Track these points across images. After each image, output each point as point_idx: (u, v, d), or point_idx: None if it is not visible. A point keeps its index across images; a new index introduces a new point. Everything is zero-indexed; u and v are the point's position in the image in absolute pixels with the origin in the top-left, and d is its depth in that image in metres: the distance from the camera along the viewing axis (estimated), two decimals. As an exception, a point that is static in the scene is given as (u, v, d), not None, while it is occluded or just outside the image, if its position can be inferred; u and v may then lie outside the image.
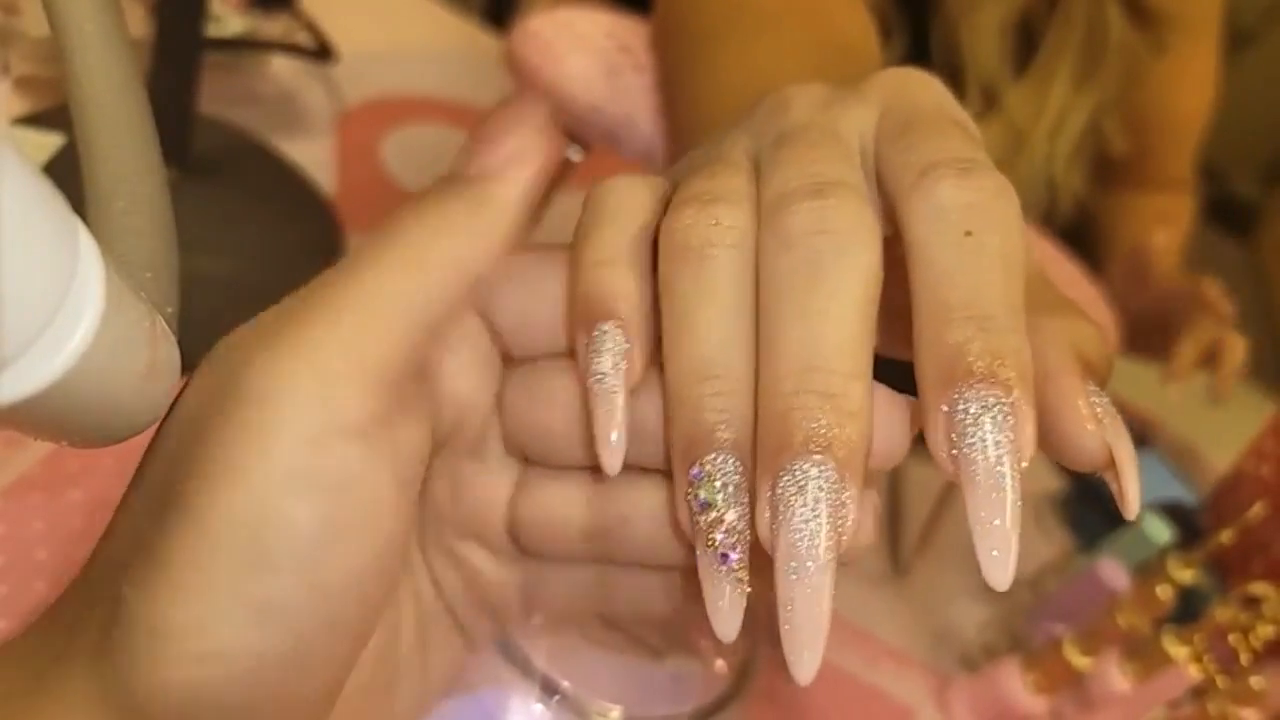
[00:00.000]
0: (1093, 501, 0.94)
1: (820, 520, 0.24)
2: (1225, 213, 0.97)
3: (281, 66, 0.94)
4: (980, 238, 0.24)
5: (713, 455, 0.25)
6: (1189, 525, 0.88)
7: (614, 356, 0.27)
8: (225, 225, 0.72)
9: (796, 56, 0.48)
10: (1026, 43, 0.99)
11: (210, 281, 0.68)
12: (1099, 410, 0.26)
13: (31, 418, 0.22)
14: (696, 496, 0.25)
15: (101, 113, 0.28)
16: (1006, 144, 0.98)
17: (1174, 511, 0.84)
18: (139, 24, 0.76)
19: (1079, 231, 1.09)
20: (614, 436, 0.27)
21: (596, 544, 0.30)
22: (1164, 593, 0.63)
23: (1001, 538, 0.23)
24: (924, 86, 0.29)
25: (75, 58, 0.27)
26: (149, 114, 0.29)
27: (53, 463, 0.57)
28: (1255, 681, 0.62)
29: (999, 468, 0.23)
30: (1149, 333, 1.01)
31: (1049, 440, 0.26)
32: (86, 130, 0.28)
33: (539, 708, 0.42)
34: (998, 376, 0.23)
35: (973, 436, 0.24)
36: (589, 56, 0.61)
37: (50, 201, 0.21)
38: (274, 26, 0.90)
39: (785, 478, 0.24)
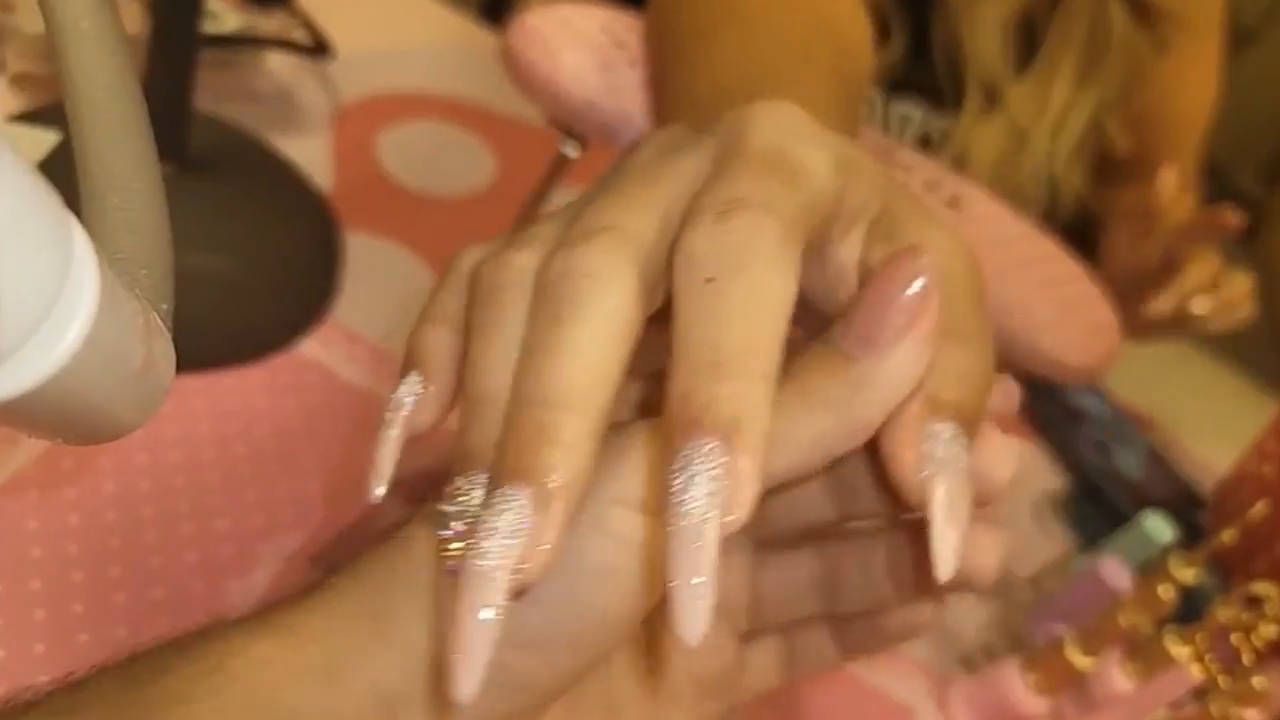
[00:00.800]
0: (1094, 500, 0.94)
1: (513, 547, 0.25)
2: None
3: (278, 63, 0.94)
4: (720, 284, 0.25)
5: (467, 475, 0.27)
6: (1191, 524, 0.88)
7: (409, 398, 0.30)
8: (221, 222, 0.72)
9: (790, 53, 0.48)
10: (1028, 40, 0.99)
11: (205, 278, 0.68)
12: (934, 457, 0.26)
13: (26, 414, 0.22)
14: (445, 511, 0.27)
15: (95, 110, 0.28)
16: (1008, 142, 0.98)
17: (1176, 510, 0.84)
18: (135, 21, 0.76)
19: (1081, 229, 1.09)
20: (377, 475, 0.30)
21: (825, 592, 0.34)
22: (1166, 592, 0.63)
23: (699, 592, 0.24)
24: (765, 122, 0.29)
25: (69, 55, 0.27)
26: (144, 111, 0.29)
27: (47, 461, 0.57)
28: (1257, 681, 0.62)
29: (702, 524, 0.24)
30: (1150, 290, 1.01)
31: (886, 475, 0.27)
32: (81, 127, 0.28)
33: None
34: (710, 427, 0.24)
35: (684, 490, 0.24)
36: (585, 52, 0.61)
37: (45, 199, 0.21)
38: (270, 23, 0.90)
39: (494, 501, 0.25)
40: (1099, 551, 0.74)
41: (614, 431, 0.28)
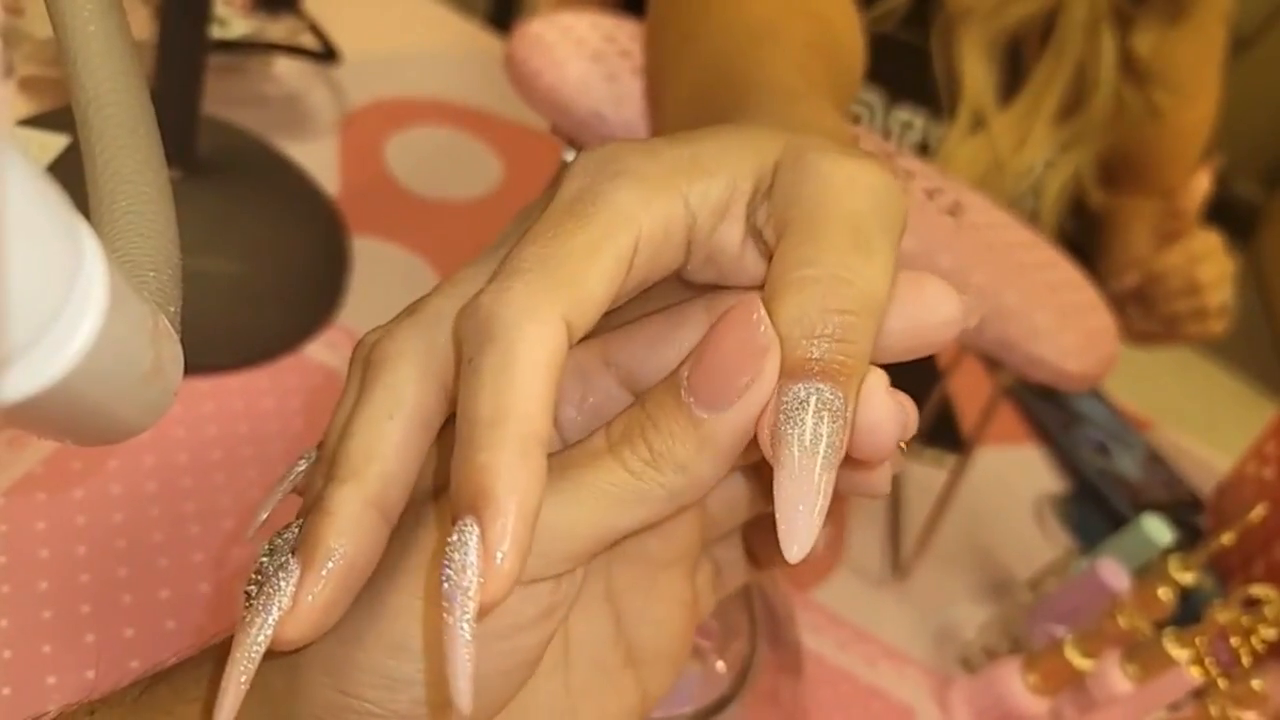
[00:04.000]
0: (1094, 502, 0.94)
1: (276, 605, 0.26)
2: (1226, 215, 0.97)
3: (286, 68, 0.94)
4: (475, 361, 0.25)
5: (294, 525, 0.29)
6: (1190, 526, 0.89)
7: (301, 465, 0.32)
8: (229, 226, 0.73)
9: (759, 36, 0.48)
10: (1019, 69, 0.99)
11: (213, 282, 0.68)
12: (787, 411, 0.26)
13: (35, 416, 0.22)
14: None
15: (104, 114, 0.28)
16: (987, 169, 0.98)
17: (1176, 512, 0.85)
18: (143, 26, 0.76)
19: (1077, 236, 1.09)
20: (256, 517, 0.33)
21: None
22: (1165, 594, 0.64)
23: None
24: (577, 168, 0.29)
25: (78, 60, 0.27)
26: (152, 115, 0.29)
27: (55, 462, 0.58)
28: (1256, 683, 0.62)
29: (461, 613, 0.24)
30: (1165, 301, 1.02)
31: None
32: (89, 132, 0.28)
33: None
34: (465, 507, 0.24)
35: (452, 567, 0.24)
36: (589, 61, 0.61)
37: (54, 202, 0.21)
38: (278, 28, 0.90)
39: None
40: (1098, 553, 0.74)
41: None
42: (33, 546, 0.54)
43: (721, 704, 0.50)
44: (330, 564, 0.26)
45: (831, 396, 0.25)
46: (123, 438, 0.27)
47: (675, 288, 0.31)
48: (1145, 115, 1.00)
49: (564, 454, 0.27)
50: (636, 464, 0.27)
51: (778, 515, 0.25)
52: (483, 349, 0.25)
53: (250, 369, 0.67)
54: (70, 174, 0.25)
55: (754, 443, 0.27)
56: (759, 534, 0.36)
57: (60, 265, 0.21)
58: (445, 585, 0.24)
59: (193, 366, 0.29)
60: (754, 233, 0.28)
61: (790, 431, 0.25)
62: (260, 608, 0.26)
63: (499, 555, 0.23)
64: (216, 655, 0.32)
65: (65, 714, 0.31)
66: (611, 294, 0.26)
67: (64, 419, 0.24)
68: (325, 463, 0.29)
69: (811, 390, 0.25)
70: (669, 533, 0.33)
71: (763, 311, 0.26)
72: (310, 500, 0.29)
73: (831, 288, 0.26)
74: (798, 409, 0.25)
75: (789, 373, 0.26)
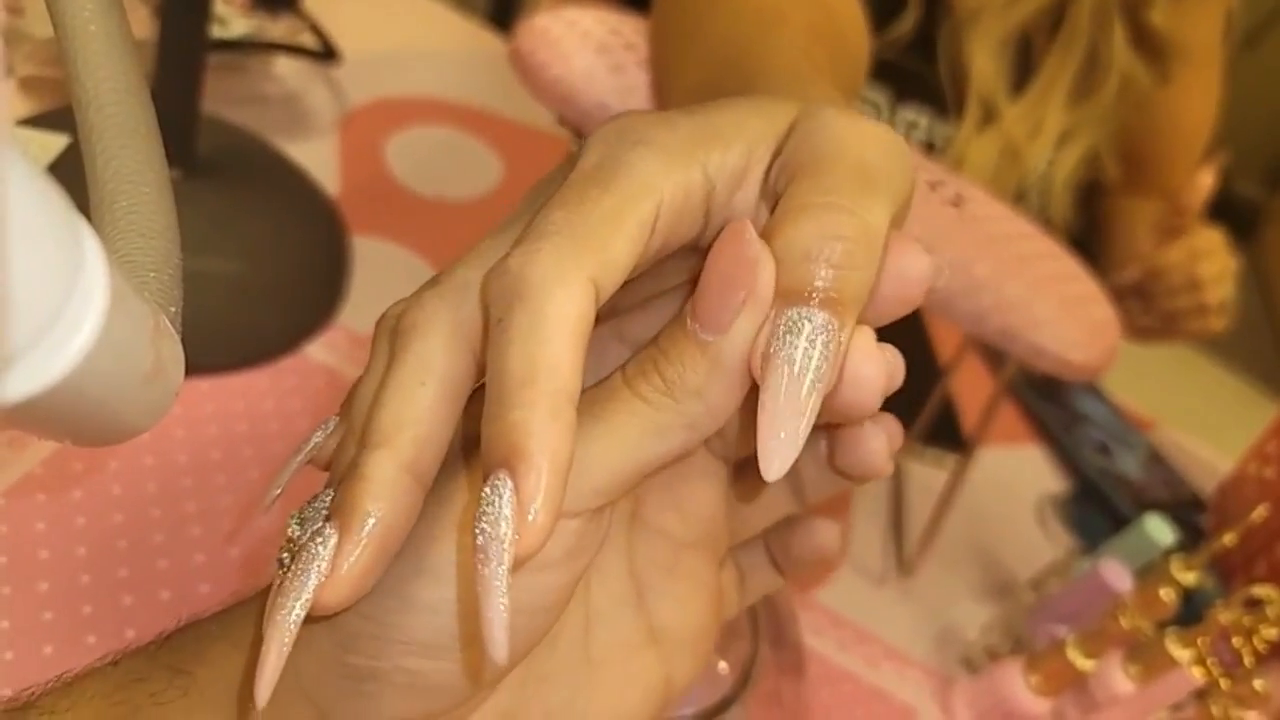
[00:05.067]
0: (1095, 503, 0.94)
1: (312, 575, 0.27)
2: (1228, 214, 0.97)
3: (286, 67, 0.94)
4: (504, 321, 0.26)
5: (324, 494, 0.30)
6: (1192, 526, 0.89)
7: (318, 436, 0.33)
8: (229, 225, 0.73)
9: (761, 23, 0.48)
10: (1027, 59, 0.99)
11: (213, 281, 0.68)
12: (778, 337, 0.26)
13: (36, 417, 0.22)
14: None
15: (104, 114, 0.28)
16: (1002, 158, 0.98)
17: (1177, 512, 0.85)
18: (143, 25, 0.76)
19: (1081, 231, 1.09)
20: (273, 488, 0.34)
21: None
22: (1167, 595, 0.63)
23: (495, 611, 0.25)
24: (597, 138, 0.29)
25: (78, 60, 0.27)
26: (152, 115, 0.29)
27: (56, 463, 0.58)
28: (1258, 684, 0.62)
29: (496, 565, 0.25)
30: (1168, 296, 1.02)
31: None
32: (90, 131, 0.28)
33: None
34: (498, 461, 0.25)
35: (485, 520, 0.25)
36: (595, 53, 0.61)
37: (54, 203, 0.21)
38: (278, 27, 0.90)
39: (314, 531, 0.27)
40: (1100, 554, 0.74)
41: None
42: (33, 547, 0.54)
43: (724, 705, 0.50)
44: (367, 528, 0.27)
45: (826, 323, 0.26)
46: (124, 438, 0.27)
47: (689, 264, 0.31)
48: (1155, 87, 1.00)
49: (583, 394, 0.27)
50: (652, 394, 0.28)
51: (759, 434, 0.26)
52: (512, 309, 0.25)
53: (250, 369, 0.67)
54: (70, 174, 0.25)
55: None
56: (780, 540, 0.37)
57: (61, 266, 0.21)
58: (480, 539, 0.24)
59: (193, 367, 0.29)
60: (769, 198, 0.29)
61: (781, 352, 0.26)
62: (298, 574, 0.27)
63: (532, 510, 0.24)
64: (234, 608, 0.33)
65: (96, 665, 0.33)
66: (635, 259, 0.27)
67: (65, 419, 0.24)
68: (355, 431, 0.29)
69: (806, 315, 0.26)
70: (689, 513, 0.34)
71: (752, 230, 0.26)
72: (342, 468, 0.29)
73: (832, 215, 0.26)
74: (791, 331, 0.26)
75: (786, 296, 0.26)
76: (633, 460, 0.28)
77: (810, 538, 0.36)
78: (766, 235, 0.26)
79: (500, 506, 0.24)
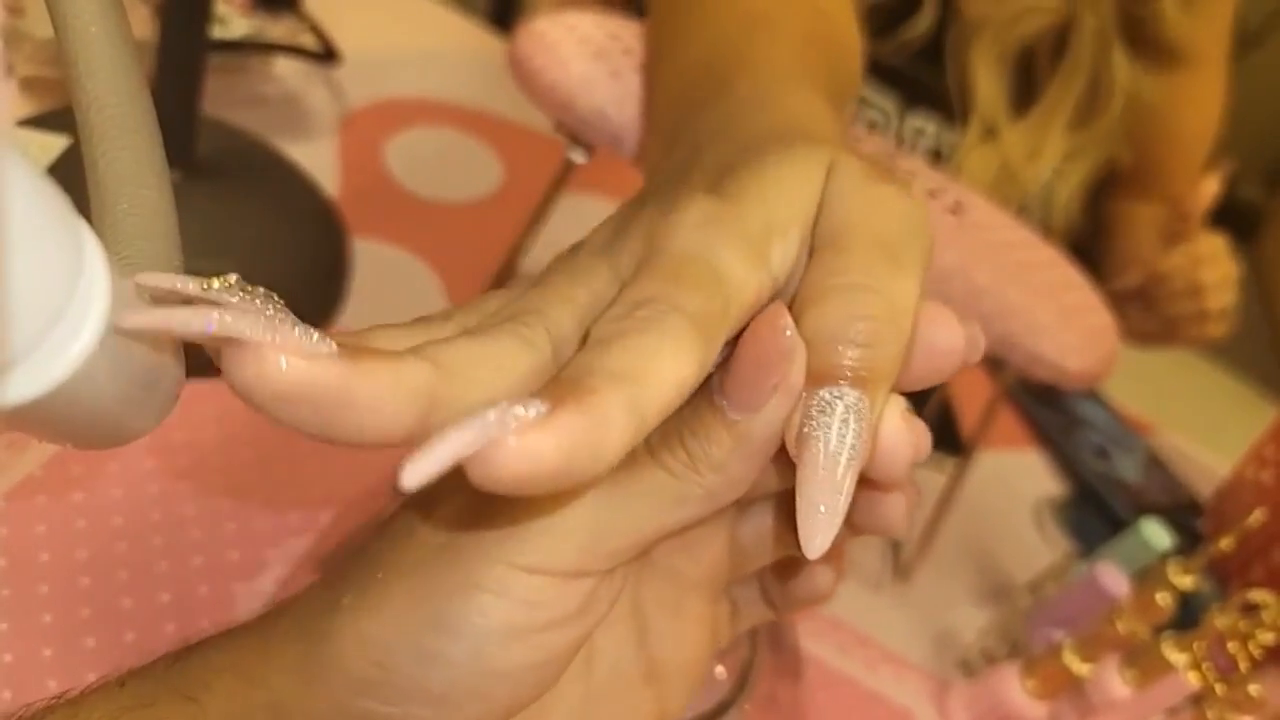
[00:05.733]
0: (1093, 506, 0.94)
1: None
2: (1229, 217, 0.97)
3: (285, 68, 0.94)
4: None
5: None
6: (1189, 530, 0.89)
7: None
8: (228, 227, 0.72)
9: (750, 23, 0.48)
10: (1031, 78, 0.99)
11: (213, 283, 0.68)
12: (813, 414, 0.27)
13: (37, 420, 0.22)
14: None
15: (105, 115, 0.28)
16: (999, 176, 0.98)
17: (1175, 516, 0.85)
18: (143, 26, 0.76)
19: (1083, 236, 1.09)
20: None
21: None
22: (1164, 599, 0.64)
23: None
24: (683, 225, 0.29)
25: (79, 61, 0.27)
26: (153, 117, 0.29)
27: (56, 466, 0.58)
28: (1254, 689, 0.62)
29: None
30: (1165, 302, 1.02)
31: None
32: (91, 132, 0.28)
33: None
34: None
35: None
36: (593, 59, 0.61)
37: (55, 205, 0.21)
38: (278, 28, 0.90)
39: None
40: (1097, 558, 0.74)
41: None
42: (33, 550, 0.54)
43: (721, 709, 0.50)
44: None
45: (857, 401, 0.26)
46: (124, 441, 0.27)
47: None
48: (1160, 98, 1.00)
49: None
50: (676, 466, 0.28)
51: (799, 514, 0.26)
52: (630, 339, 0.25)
53: (250, 370, 0.67)
54: (70, 175, 0.25)
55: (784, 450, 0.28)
56: (774, 576, 0.37)
57: (62, 268, 0.21)
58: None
59: (191, 369, 0.29)
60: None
61: (816, 433, 0.26)
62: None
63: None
64: (239, 633, 0.32)
65: (100, 684, 0.32)
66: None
67: (66, 423, 0.24)
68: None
69: (838, 395, 0.26)
70: (699, 554, 0.34)
71: (788, 318, 0.27)
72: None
73: (858, 295, 0.27)
74: (824, 411, 0.26)
75: (816, 377, 0.27)
76: (651, 527, 0.29)
77: (809, 580, 0.37)
78: (795, 314, 0.27)
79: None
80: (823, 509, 0.26)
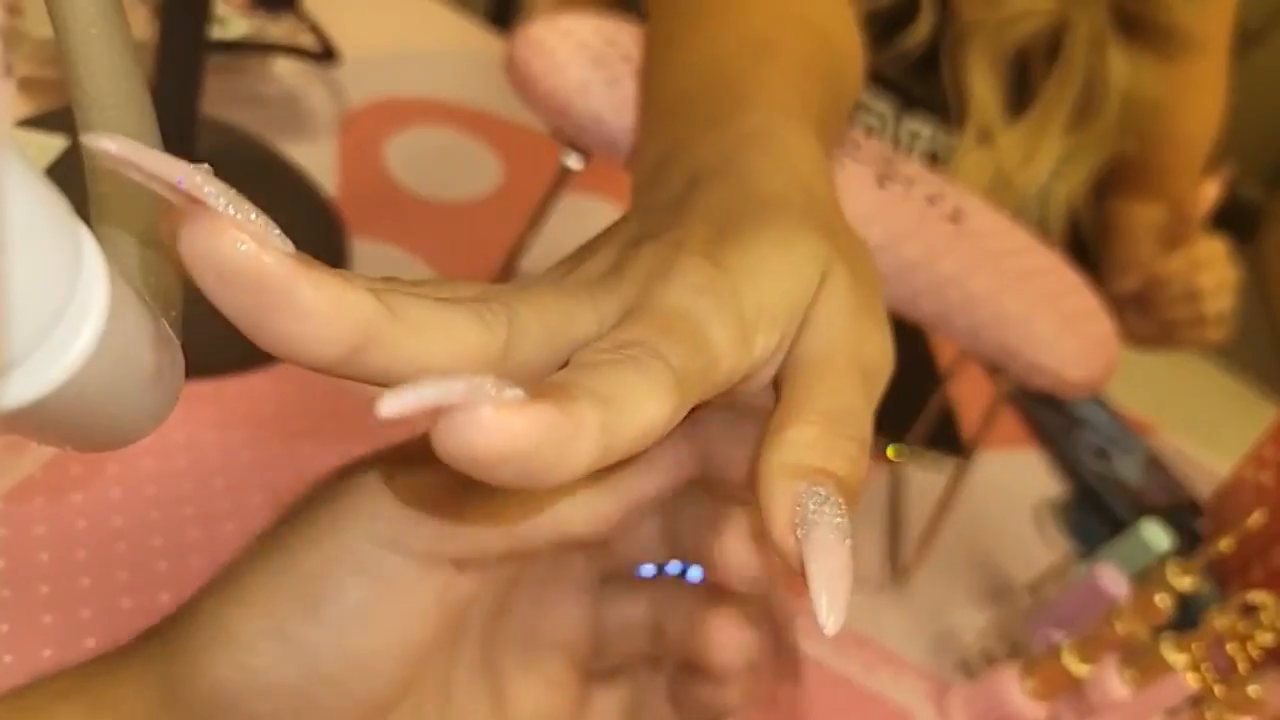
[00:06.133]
0: (1093, 507, 0.94)
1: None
2: (1228, 216, 0.97)
3: (285, 68, 0.94)
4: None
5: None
6: (1189, 530, 0.89)
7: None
8: (228, 227, 0.72)
9: (752, 49, 0.48)
10: (1025, 81, 0.99)
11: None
12: (804, 522, 0.27)
13: (36, 422, 0.22)
14: None
15: (105, 116, 0.28)
16: (995, 183, 0.98)
17: (1175, 516, 0.85)
18: (142, 26, 0.76)
19: (1082, 238, 1.09)
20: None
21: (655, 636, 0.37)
22: (1163, 600, 0.64)
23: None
24: (680, 279, 0.30)
25: (80, 62, 0.27)
26: (153, 118, 0.29)
27: (55, 466, 0.58)
28: (1253, 690, 0.62)
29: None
30: (1169, 305, 1.02)
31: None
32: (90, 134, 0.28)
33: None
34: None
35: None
36: (590, 65, 0.61)
37: (54, 205, 0.20)
38: (277, 28, 0.90)
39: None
40: (1097, 558, 0.74)
41: (370, 470, 0.31)
42: (32, 551, 0.54)
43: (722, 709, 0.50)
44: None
45: (837, 501, 0.28)
46: (124, 443, 0.27)
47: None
48: (1157, 97, 1.00)
49: None
50: None
51: (814, 593, 0.27)
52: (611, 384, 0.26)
53: (249, 372, 0.67)
54: (68, 175, 0.25)
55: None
56: (684, 691, 0.38)
57: (60, 269, 0.21)
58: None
59: (191, 370, 0.29)
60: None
61: (820, 519, 0.27)
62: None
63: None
64: (93, 661, 0.32)
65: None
66: None
67: (65, 425, 0.24)
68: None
69: (826, 495, 0.27)
70: (553, 614, 0.36)
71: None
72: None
73: (853, 418, 0.30)
74: (823, 502, 0.27)
75: (810, 476, 0.28)
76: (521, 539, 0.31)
77: (715, 693, 0.38)
78: (781, 418, 0.29)
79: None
80: (838, 582, 0.27)
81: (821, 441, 0.29)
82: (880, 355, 0.33)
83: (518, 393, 0.22)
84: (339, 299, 0.23)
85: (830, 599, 0.27)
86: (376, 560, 0.30)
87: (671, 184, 0.37)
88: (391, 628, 0.30)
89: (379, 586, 0.30)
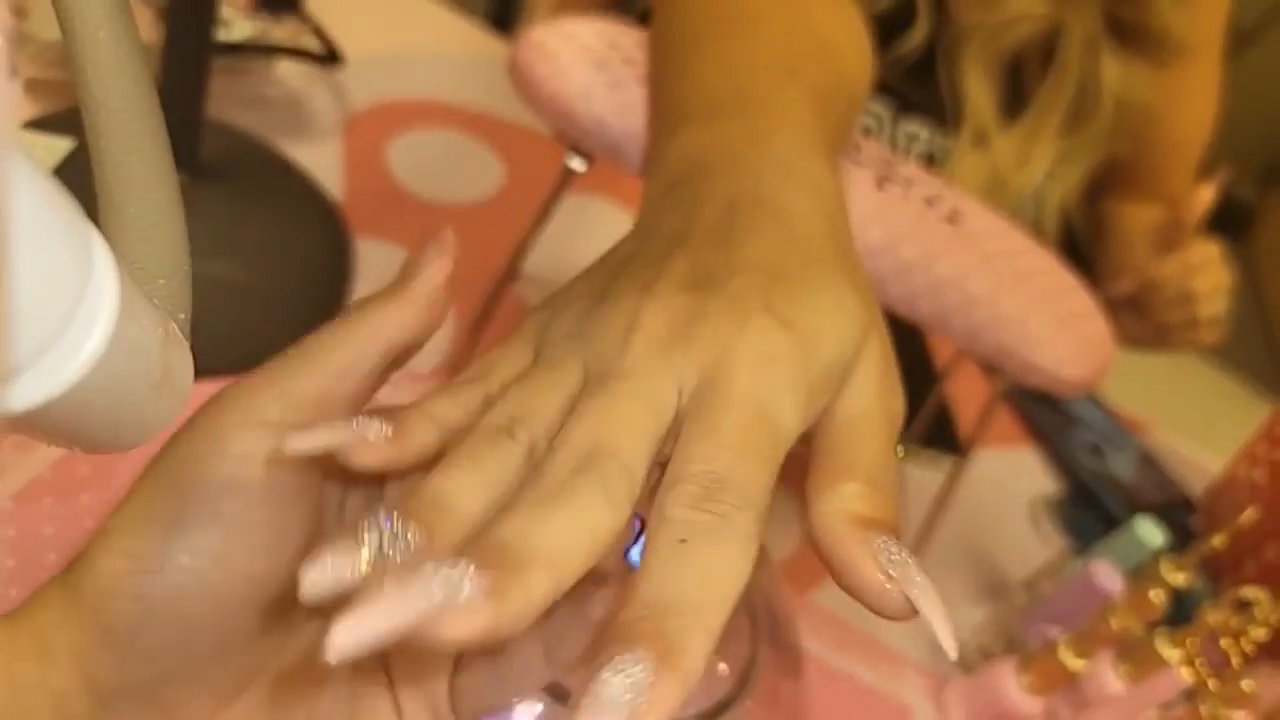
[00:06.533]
0: (1087, 504, 0.94)
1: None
2: (1221, 214, 0.97)
3: (288, 70, 0.95)
4: (691, 547, 0.27)
5: (404, 523, 0.27)
6: (1182, 527, 0.89)
7: (373, 431, 0.31)
8: (233, 229, 0.73)
9: (773, 70, 0.48)
10: (1020, 85, 1.00)
11: (217, 285, 0.69)
12: (889, 565, 0.29)
13: (46, 424, 0.22)
14: (372, 521, 0.27)
15: (114, 119, 0.28)
16: (990, 185, 0.99)
17: (1168, 513, 0.85)
18: (147, 29, 0.76)
19: (1077, 240, 1.10)
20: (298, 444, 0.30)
21: None
22: (1157, 596, 0.64)
23: None
24: (747, 364, 0.31)
25: (88, 65, 0.27)
26: (161, 120, 0.29)
27: (63, 467, 0.58)
28: (1246, 684, 0.62)
29: (612, 706, 0.25)
30: (1163, 309, 1.02)
31: (861, 602, 0.30)
32: (99, 137, 0.28)
33: (544, 711, 0.43)
34: (649, 646, 0.25)
35: (607, 682, 0.25)
36: (593, 69, 0.61)
37: (64, 208, 0.21)
38: (281, 30, 0.90)
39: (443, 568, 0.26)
40: (1092, 555, 0.75)
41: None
42: (41, 550, 0.54)
43: (723, 706, 0.50)
44: (505, 615, 0.25)
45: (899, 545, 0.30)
46: (133, 445, 0.27)
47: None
48: (1151, 100, 1.01)
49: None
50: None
51: (937, 627, 0.29)
52: (705, 548, 0.28)
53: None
54: (74, 178, 0.24)
55: None
56: None
57: (70, 271, 0.21)
58: (603, 691, 0.25)
59: (197, 371, 0.29)
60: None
61: (905, 561, 0.30)
62: (421, 584, 0.24)
63: (660, 704, 0.25)
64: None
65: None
66: None
67: (74, 427, 0.24)
68: (434, 502, 0.29)
69: (888, 540, 0.30)
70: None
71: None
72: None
73: (887, 472, 0.32)
74: (888, 549, 0.30)
75: (865, 525, 0.30)
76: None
77: None
78: (832, 474, 0.31)
79: (628, 686, 0.25)
80: (943, 612, 0.30)
81: (869, 495, 0.31)
82: (901, 409, 0.35)
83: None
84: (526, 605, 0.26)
85: (946, 628, 0.29)
86: (239, 436, 0.31)
87: (700, 199, 0.38)
88: (261, 502, 0.31)
89: (240, 463, 0.31)
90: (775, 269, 0.34)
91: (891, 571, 0.29)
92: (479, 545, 0.26)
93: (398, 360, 0.36)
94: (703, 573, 0.27)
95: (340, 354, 0.34)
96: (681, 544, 0.27)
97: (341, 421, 0.30)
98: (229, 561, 0.31)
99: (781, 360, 0.31)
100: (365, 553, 0.25)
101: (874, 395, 0.34)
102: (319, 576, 0.25)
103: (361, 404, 0.35)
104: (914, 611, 0.29)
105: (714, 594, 0.27)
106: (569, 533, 0.27)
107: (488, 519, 0.28)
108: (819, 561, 0.30)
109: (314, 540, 0.33)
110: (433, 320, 0.37)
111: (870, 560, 0.29)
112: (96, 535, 0.32)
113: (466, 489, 0.29)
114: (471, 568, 0.25)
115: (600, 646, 0.26)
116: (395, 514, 0.27)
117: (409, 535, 0.27)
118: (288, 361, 0.34)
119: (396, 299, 0.36)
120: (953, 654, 0.29)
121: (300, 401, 0.32)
